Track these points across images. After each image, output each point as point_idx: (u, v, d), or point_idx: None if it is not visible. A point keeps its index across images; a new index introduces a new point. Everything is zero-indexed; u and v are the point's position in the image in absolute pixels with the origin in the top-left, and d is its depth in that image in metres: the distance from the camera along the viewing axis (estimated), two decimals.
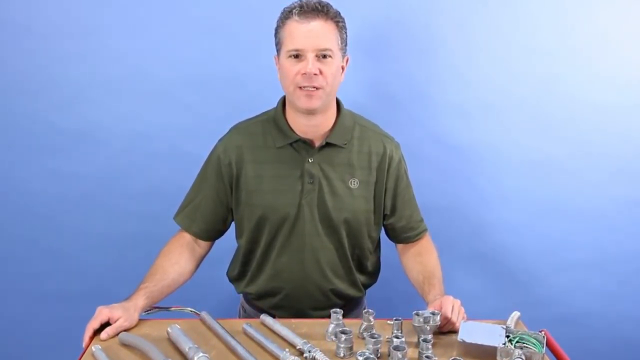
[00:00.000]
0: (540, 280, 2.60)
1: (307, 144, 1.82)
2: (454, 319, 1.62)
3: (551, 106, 2.44)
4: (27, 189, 2.44)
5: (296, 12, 1.70)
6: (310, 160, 1.82)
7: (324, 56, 1.71)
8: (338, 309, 1.63)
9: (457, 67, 2.41)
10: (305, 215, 1.83)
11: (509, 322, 1.66)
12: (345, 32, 1.78)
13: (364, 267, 1.97)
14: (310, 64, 1.69)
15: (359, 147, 1.86)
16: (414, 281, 1.89)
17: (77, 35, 2.32)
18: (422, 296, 1.81)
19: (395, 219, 1.94)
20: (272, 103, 1.90)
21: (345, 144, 1.84)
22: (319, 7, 1.71)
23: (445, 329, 1.64)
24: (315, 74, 1.70)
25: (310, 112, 1.77)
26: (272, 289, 1.90)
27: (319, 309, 1.89)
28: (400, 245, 2.01)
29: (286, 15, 1.73)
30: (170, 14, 2.32)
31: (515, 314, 1.70)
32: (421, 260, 1.92)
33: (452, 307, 1.64)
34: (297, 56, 1.71)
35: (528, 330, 1.62)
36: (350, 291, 1.94)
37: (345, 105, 1.90)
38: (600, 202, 2.53)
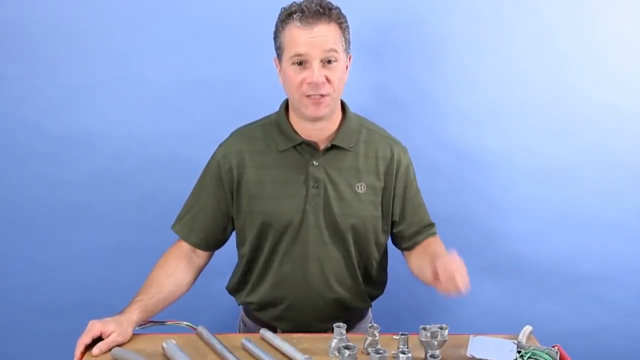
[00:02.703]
0: (553, 293, 2.60)
1: (311, 146, 1.83)
2: (457, 277, 1.60)
3: (565, 110, 2.44)
4: (16, 197, 2.45)
5: (297, 17, 1.69)
6: (314, 164, 1.82)
7: (329, 61, 1.71)
8: (341, 323, 1.62)
9: (466, 70, 2.41)
10: (309, 222, 1.83)
11: (520, 336, 1.66)
12: (348, 32, 1.78)
13: (371, 277, 1.97)
14: (316, 72, 1.69)
15: (365, 150, 1.87)
16: (421, 270, 1.83)
17: (69, 36, 2.33)
18: (431, 277, 1.72)
19: (405, 226, 1.95)
20: (274, 107, 1.91)
21: (352, 147, 1.85)
22: (321, 9, 1.70)
23: (446, 289, 1.62)
24: (322, 82, 1.70)
25: (317, 120, 1.78)
26: (274, 299, 1.90)
27: (323, 321, 1.89)
28: (406, 252, 2.01)
29: (285, 19, 1.73)
30: (166, 14, 2.33)
31: (527, 328, 1.70)
32: (426, 249, 1.91)
33: (457, 266, 1.62)
34: (300, 62, 1.71)
35: (540, 345, 1.62)
36: (356, 302, 1.94)
37: (350, 108, 1.91)
38: (617, 211, 2.53)
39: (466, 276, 1.62)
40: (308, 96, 1.72)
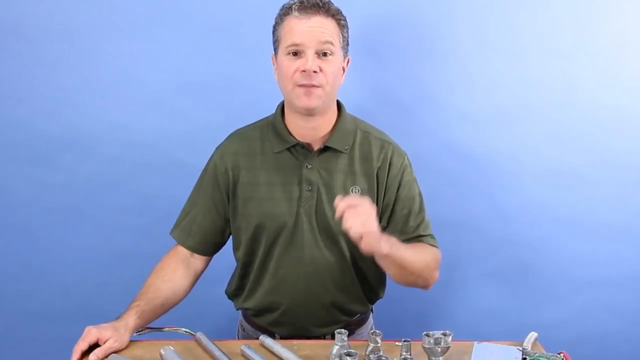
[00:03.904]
0: (559, 298, 2.60)
1: (305, 148, 1.83)
2: (341, 204, 1.57)
3: (571, 112, 2.45)
4: (10, 201, 2.45)
5: (296, 7, 1.73)
6: (308, 166, 1.83)
7: (325, 54, 1.73)
8: (343, 330, 1.62)
9: (470, 70, 2.42)
10: (303, 225, 1.84)
11: (525, 343, 1.66)
12: (347, 31, 1.81)
13: (368, 280, 1.96)
14: (310, 60, 1.71)
15: (360, 152, 1.87)
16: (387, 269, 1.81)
17: (65, 36, 2.33)
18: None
19: (389, 231, 1.87)
20: (273, 109, 1.92)
21: (346, 149, 1.85)
22: (320, 3, 1.74)
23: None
24: (315, 71, 1.72)
25: (309, 113, 1.79)
26: (270, 303, 1.90)
27: (322, 326, 1.90)
28: None
29: (285, 11, 1.76)
30: (163, 14, 2.33)
31: (533, 335, 1.70)
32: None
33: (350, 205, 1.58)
34: (296, 53, 1.73)
35: (546, 352, 1.62)
36: (354, 306, 1.94)
37: (348, 110, 1.92)
38: (626, 215, 2.53)
39: (357, 213, 1.58)
40: (300, 86, 1.74)
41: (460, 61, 2.41)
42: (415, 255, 1.79)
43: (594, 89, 2.43)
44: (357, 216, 1.58)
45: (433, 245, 1.92)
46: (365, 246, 1.60)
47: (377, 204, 1.88)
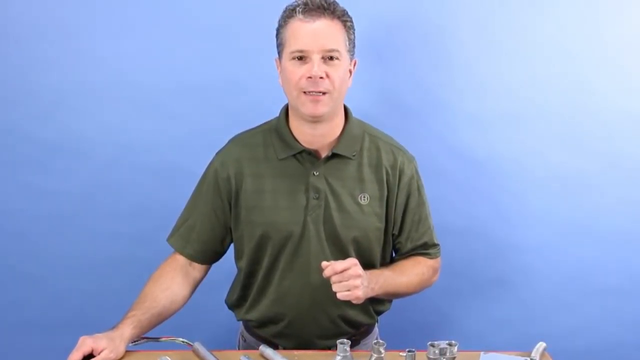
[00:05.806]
0: (568, 307, 2.60)
1: (312, 155, 1.83)
2: (327, 271, 1.66)
3: (580, 116, 2.45)
4: (1, 206, 2.45)
5: (300, 10, 1.72)
6: (315, 174, 1.83)
7: (331, 58, 1.73)
8: (345, 340, 1.61)
9: (476, 73, 2.42)
10: (310, 234, 1.83)
11: (533, 353, 1.67)
12: (353, 33, 1.80)
13: None
14: (316, 66, 1.71)
15: (369, 158, 1.87)
16: None
17: (58, 37, 2.34)
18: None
19: (402, 239, 1.94)
20: (274, 112, 1.92)
21: (354, 155, 1.85)
22: (325, 4, 1.73)
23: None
24: (321, 78, 1.71)
25: (316, 120, 1.78)
26: (274, 315, 1.90)
27: (327, 338, 1.90)
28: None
29: (289, 13, 1.75)
30: (160, 13, 2.34)
31: (541, 345, 1.71)
32: (396, 264, 1.96)
33: (342, 268, 1.66)
34: (301, 58, 1.73)
35: None
36: (361, 318, 1.94)
37: (353, 113, 1.91)
38: (635, 221, 2.52)
39: (346, 281, 1.68)
40: (306, 93, 1.73)
41: (467, 64, 2.41)
42: (408, 280, 1.91)
43: (603, 92, 2.43)
44: (344, 283, 1.67)
45: (433, 256, 1.99)
46: (356, 303, 1.74)
47: (386, 211, 1.89)
